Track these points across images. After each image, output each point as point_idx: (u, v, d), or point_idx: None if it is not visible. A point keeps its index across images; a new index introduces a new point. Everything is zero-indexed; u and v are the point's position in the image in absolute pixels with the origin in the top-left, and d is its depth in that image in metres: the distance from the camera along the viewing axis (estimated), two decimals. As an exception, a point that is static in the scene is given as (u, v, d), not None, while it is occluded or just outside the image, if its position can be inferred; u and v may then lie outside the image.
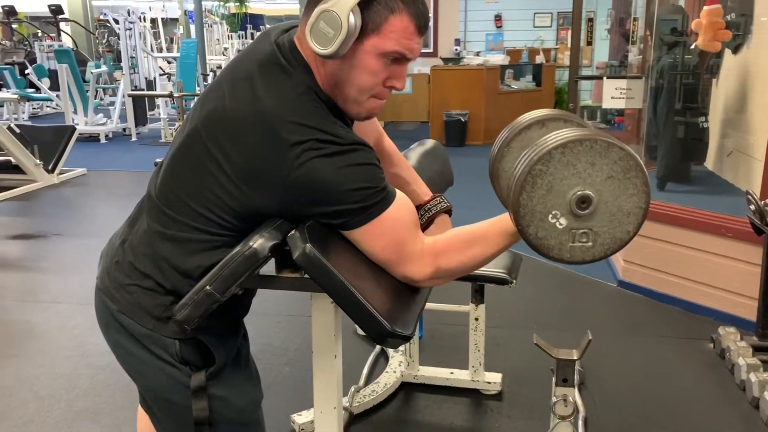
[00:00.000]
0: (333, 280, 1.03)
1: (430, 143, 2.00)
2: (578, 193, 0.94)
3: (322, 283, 1.03)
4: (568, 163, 0.94)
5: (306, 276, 1.07)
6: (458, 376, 2.41)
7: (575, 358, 1.41)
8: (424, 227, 1.27)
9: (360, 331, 2.71)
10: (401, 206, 1.08)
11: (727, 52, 3.59)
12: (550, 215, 0.96)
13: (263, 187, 1.03)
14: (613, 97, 4.06)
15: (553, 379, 1.46)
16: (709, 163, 3.84)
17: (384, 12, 1.02)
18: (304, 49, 1.08)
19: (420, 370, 2.44)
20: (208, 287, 1.06)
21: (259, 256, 1.04)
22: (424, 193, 1.34)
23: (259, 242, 1.05)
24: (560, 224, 0.96)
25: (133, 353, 1.17)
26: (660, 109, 3.83)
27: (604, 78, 4.21)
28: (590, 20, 4.73)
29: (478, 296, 2.28)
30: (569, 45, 9.29)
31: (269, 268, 1.12)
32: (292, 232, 1.05)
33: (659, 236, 3.12)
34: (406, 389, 2.42)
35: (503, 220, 1.07)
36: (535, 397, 2.35)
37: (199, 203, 1.07)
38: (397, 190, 1.10)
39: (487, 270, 2.11)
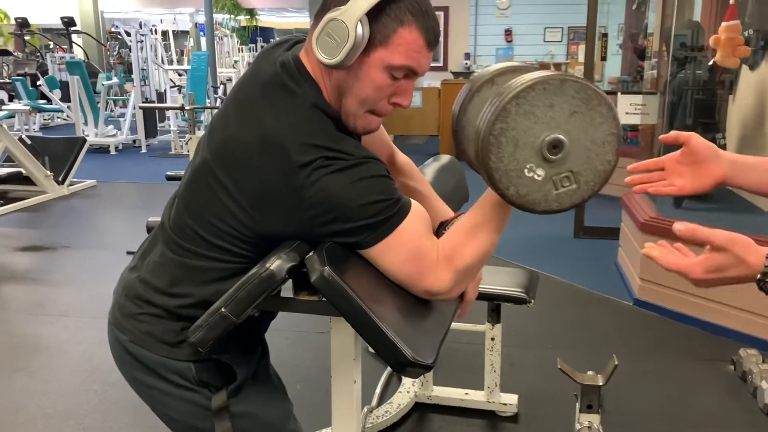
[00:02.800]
0: (351, 305, 0.99)
1: (445, 158, 1.96)
2: (546, 138, 0.90)
3: (340, 307, 0.99)
4: (526, 113, 0.90)
5: (324, 299, 1.03)
6: (473, 397, 2.35)
7: (600, 384, 1.36)
8: None
9: (372, 349, 2.66)
10: (416, 215, 1.04)
11: (744, 68, 3.54)
12: (526, 169, 0.91)
13: (277, 212, 1.00)
14: (627, 113, 4.03)
15: (577, 405, 1.41)
16: (726, 179, 3.78)
17: (393, 24, 0.98)
18: (311, 62, 1.05)
19: (434, 391, 2.39)
20: (223, 309, 1.02)
21: (276, 278, 1.01)
22: (444, 210, 1.30)
23: (277, 264, 1.01)
24: (538, 176, 0.92)
25: (151, 385, 1.14)
26: (677, 125, 3.78)
27: (619, 93, 4.17)
28: (604, 35, 4.69)
29: (494, 315, 2.23)
30: (580, 60, 9.30)
31: (286, 289, 1.08)
32: (311, 254, 1.01)
33: (676, 254, 3.06)
34: (420, 410, 2.37)
35: (491, 194, 1.03)
36: (553, 419, 2.29)
37: (212, 234, 1.05)
38: (410, 199, 1.06)
39: (504, 289, 2.07)
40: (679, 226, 0.86)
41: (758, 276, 0.82)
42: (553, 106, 0.90)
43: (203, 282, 1.08)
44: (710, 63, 3.46)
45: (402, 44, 0.99)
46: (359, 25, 0.96)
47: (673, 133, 1.02)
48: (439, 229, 1.23)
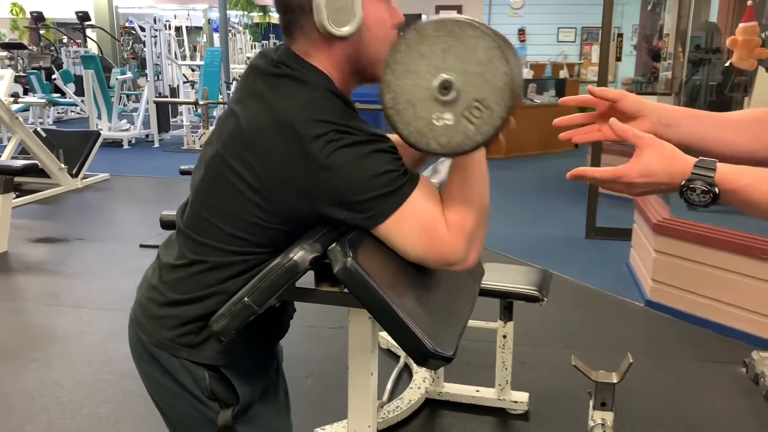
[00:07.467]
0: (374, 296, 0.99)
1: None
2: (434, 85, 0.92)
3: (362, 298, 1.00)
4: (404, 73, 0.93)
5: (345, 291, 1.04)
6: (484, 394, 2.36)
7: (615, 381, 1.37)
8: None
9: (383, 344, 2.67)
10: (425, 186, 1.05)
11: (761, 69, 3.52)
12: (434, 120, 0.93)
13: (289, 187, 1.01)
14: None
15: (591, 403, 1.42)
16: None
17: None
18: (312, 55, 1.07)
19: (445, 387, 2.40)
20: (246, 299, 1.03)
21: (299, 268, 1.02)
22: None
23: (300, 254, 1.02)
24: (448, 120, 0.93)
25: (165, 385, 1.15)
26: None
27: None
28: (620, 35, 4.68)
29: (507, 313, 2.24)
30: (593, 60, 9.28)
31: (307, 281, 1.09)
32: (333, 245, 1.02)
33: (689, 256, 3.05)
34: (431, 406, 2.38)
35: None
36: (563, 418, 2.29)
37: (232, 226, 1.06)
38: (418, 173, 1.07)
39: (518, 287, 2.07)
40: (615, 123, 0.91)
41: (683, 182, 0.83)
42: (423, 54, 0.92)
43: (223, 279, 1.08)
44: (726, 64, 3.45)
45: None
46: None
47: (603, 89, 1.05)
48: None
